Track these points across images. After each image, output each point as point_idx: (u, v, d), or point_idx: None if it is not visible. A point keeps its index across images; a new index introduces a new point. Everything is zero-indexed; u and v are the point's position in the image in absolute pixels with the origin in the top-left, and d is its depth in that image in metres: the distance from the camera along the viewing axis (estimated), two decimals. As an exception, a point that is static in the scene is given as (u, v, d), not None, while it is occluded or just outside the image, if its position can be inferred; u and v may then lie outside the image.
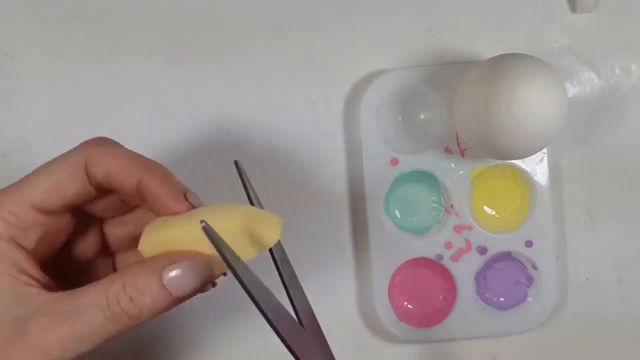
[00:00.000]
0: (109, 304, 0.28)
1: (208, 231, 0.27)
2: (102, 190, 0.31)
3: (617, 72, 0.44)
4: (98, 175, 0.30)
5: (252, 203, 0.31)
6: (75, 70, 0.43)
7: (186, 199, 0.30)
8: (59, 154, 0.31)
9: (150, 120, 0.43)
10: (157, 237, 0.30)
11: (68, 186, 0.30)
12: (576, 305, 0.44)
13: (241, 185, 0.31)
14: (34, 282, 0.29)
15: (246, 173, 0.31)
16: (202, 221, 0.27)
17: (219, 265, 0.29)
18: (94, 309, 0.28)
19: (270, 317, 0.28)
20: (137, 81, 0.43)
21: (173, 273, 0.28)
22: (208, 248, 0.28)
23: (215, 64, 0.43)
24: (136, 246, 0.33)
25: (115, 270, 0.35)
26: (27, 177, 0.30)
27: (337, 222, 0.43)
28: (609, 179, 0.44)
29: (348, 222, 0.43)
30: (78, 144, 0.32)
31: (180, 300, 0.29)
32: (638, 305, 0.44)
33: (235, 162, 0.31)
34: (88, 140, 0.32)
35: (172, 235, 0.29)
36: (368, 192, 0.42)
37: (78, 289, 0.29)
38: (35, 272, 0.30)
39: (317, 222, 0.43)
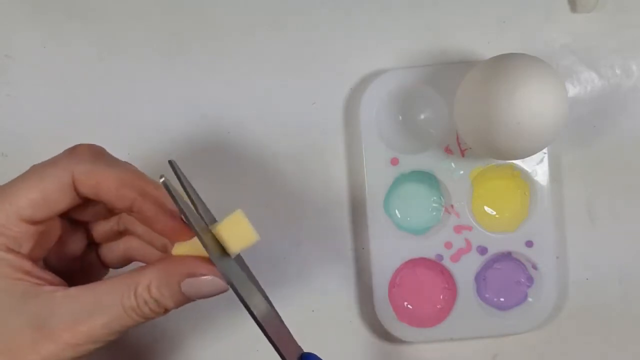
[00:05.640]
0: (138, 301, 0.29)
1: (167, 185, 0.28)
2: (91, 200, 0.32)
3: (618, 72, 0.44)
4: (87, 193, 0.31)
5: (192, 202, 0.31)
6: (75, 70, 0.43)
7: (181, 219, 0.31)
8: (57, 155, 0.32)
9: (150, 120, 0.43)
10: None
11: (56, 201, 0.30)
12: (576, 305, 0.44)
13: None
14: (42, 281, 0.30)
15: (183, 173, 0.31)
16: (161, 176, 0.28)
17: None
18: (117, 306, 0.29)
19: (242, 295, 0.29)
20: (137, 81, 0.43)
21: (193, 281, 0.30)
22: None
23: (216, 64, 0.43)
24: (119, 238, 0.35)
25: (100, 258, 0.36)
26: (13, 187, 0.30)
27: (337, 222, 0.43)
28: (609, 179, 0.44)
29: (348, 221, 0.43)
30: (72, 145, 0.32)
31: (190, 301, 0.31)
32: (638, 305, 0.44)
33: (170, 162, 0.31)
34: (76, 151, 0.32)
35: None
36: (368, 191, 0.42)
37: (94, 285, 0.30)
38: (39, 271, 0.30)
39: (317, 222, 0.43)
